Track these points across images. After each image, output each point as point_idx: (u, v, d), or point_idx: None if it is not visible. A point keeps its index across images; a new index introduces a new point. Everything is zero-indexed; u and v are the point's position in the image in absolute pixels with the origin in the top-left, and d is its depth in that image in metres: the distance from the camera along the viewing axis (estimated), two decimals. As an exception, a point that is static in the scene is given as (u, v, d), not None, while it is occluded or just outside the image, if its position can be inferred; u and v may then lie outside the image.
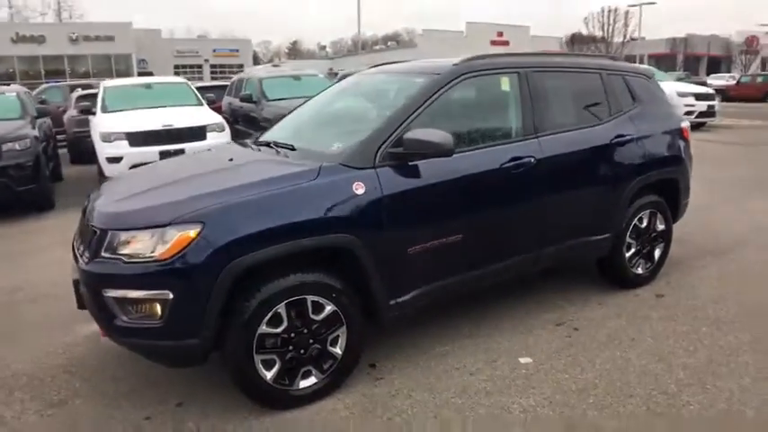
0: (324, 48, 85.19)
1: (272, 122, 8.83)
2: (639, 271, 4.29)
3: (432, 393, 2.95)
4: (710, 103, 15.06)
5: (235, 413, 2.80)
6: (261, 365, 2.71)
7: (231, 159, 3.34)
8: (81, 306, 2.97)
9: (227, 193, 2.68)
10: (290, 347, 2.76)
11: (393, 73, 3.91)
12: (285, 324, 2.72)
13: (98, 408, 2.91)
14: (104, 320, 2.68)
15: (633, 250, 4.20)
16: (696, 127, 14.55)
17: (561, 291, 4.21)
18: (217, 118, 8.56)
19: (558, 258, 3.86)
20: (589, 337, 3.53)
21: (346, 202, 2.80)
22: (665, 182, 4.27)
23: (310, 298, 2.75)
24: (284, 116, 4.25)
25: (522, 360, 3.27)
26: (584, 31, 46.30)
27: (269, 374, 2.74)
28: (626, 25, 45.45)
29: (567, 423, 2.70)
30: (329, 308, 2.80)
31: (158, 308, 2.54)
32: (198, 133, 8.06)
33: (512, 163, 3.35)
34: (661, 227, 4.34)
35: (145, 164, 4.69)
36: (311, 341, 2.81)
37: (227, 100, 12.50)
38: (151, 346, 2.67)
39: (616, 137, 3.92)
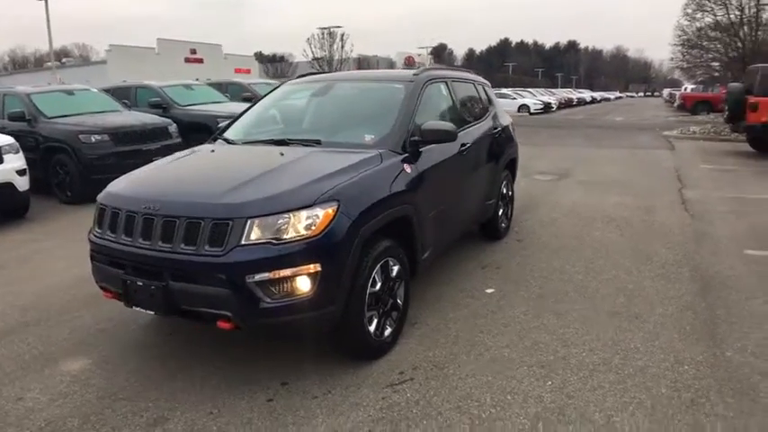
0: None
1: (65, 142, 8.11)
2: (504, 226, 5.92)
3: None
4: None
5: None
6: (367, 322, 3.25)
7: (282, 154, 3.62)
8: (132, 304, 3.09)
9: (335, 177, 3.13)
10: (381, 303, 3.37)
11: (363, 80, 4.69)
12: (379, 283, 3.31)
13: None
14: (246, 307, 2.81)
15: (501, 210, 5.79)
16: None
17: (470, 252, 5.52)
18: (8, 139, 7.36)
19: (480, 219, 5.19)
20: (508, 268, 4.98)
21: (403, 180, 3.54)
22: (513, 159, 6.00)
23: (390, 260, 3.40)
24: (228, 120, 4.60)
25: (488, 290, 4.47)
26: (308, 51, 52.31)
27: (371, 329, 3.30)
28: (342, 46, 52.37)
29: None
30: (396, 267, 3.48)
31: (307, 282, 2.86)
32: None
33: (463, 148, 4.50)
34: (510, 192, 6.07)
35: None
36: (389, 297, 3.45)
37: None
38: (296, 320, 2.91)
39: (492, 128, 5.43)
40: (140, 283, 3.00)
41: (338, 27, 52.30)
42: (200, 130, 9.89)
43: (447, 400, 2.97)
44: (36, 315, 4.20)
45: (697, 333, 3.70)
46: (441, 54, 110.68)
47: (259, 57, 63.67)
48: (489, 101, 5.74)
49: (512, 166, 6.06)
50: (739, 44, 24.75)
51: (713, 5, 25.70)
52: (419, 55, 76.56)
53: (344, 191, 3.06)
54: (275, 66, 55.38)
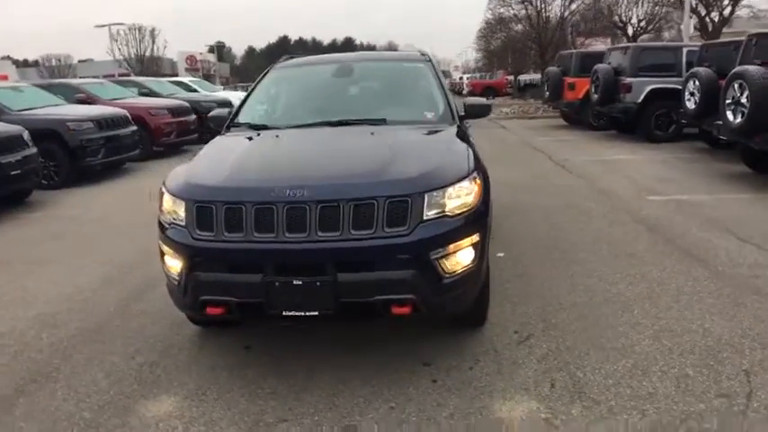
0: None
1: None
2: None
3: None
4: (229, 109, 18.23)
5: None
6: None
7: (373, 134, 3.42)
8: (281, 309, 2.70)
9: (455, 150, 3.15)
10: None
11: (381, 61, 4.58)
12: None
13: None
14: (431, 286, 2.69)
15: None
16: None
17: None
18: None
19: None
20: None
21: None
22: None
23: None
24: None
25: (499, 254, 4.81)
26: (116, 50, 46.42)
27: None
28: (153, 42, 47.61)
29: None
30: None
31: (471, 253, 2.83)
32: None
33: None
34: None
35: None
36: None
37: None
38: (466, 293, 2.89)
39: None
40: (298, 283, 2.63)
41: (120, 24, 47.20)
42: (47, 139, 8.46)
43: (579, 340, 3.24)
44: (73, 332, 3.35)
45: (675, 254, 4.56)
46: (221, 52, 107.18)
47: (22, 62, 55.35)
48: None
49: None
50: (534, 35, 29.11)
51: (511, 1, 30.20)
52: (200, 53, 73.17)
53: (477, 162, 3.09)
54: (51, 69, 47.97)
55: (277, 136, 3.56)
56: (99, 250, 5.47)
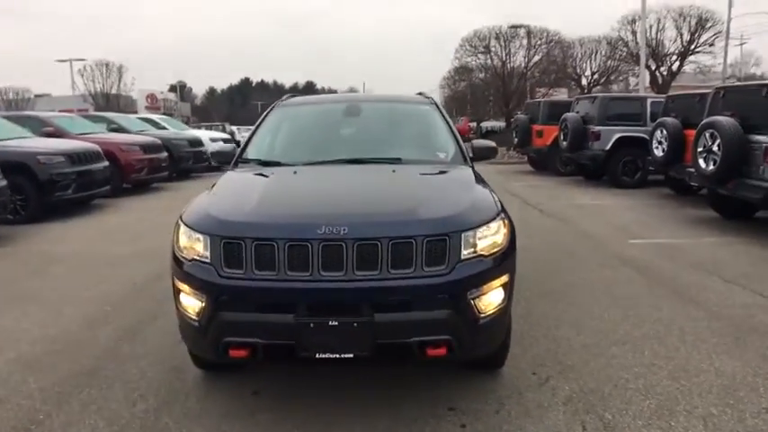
0: None
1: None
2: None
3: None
4: (233, 145, 18.03)
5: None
6: None
7: (394, 171, 3.40)
8: (314, 352, 2.56)
9: (477, 189, 3.15)
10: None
11: (388, 102, 4.57)
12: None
13: None
14: (468, 326, 2.64)
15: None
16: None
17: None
18: None
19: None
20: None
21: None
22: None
23: None
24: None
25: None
26: (81, 84, 45.62)
27: None
28: (120, 78, 47.21)
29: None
30: None
31: (501, 294, 2.79)
32: None
33: None
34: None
35: None
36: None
37: None
38: (496, 334, 2.87)
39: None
40: (334, 323, 2.52)
41: (81, 60, 46.34)
42: (15, 171, 8.14)
43: (599, 382, 3.22)
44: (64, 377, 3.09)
45: (669, 296, 4.67)
46: (182, 91, 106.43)
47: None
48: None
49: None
50: (499, 83, 30.25)
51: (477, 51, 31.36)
52: (161, 92, 72.53)
53: (500, 203, 3.11)
54: (8, 102, 46.28)
55: (295, 172, 3.48)
56: (80, 288, 5.19)
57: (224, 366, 3.38)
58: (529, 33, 31.11)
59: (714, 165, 7.21)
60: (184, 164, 14.02)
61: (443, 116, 4.29)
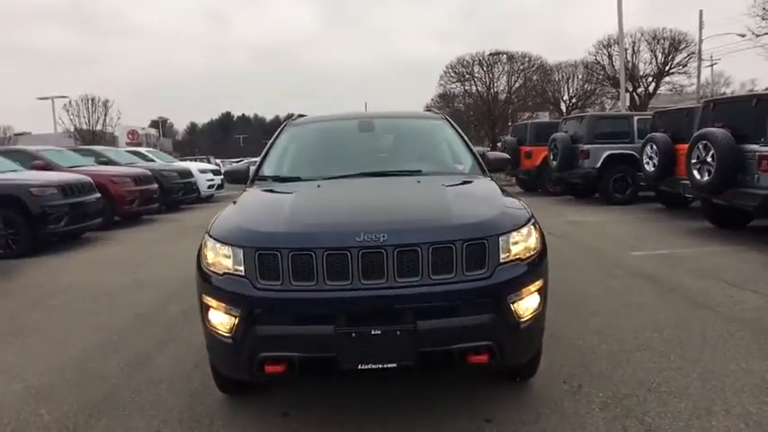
0: None
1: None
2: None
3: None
4: (221, 177, 17.90)
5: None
6: None
7: (419, 182, 3.39)
8: (357, 363, 2.49)
9: (502, 197, 3.14)
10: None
11: (400, 118, 4.58)
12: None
13: None
14: (510, 330, 2.60)
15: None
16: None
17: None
18: None
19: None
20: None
21: None
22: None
23: None
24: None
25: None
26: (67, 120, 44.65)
27: None
28: (106, 114, 46.30)
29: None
30: None
31: (537, 298, 2.75)
32: None
33: None
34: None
35: None
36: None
37: None
38: (534, 339, 2.87)
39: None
40: (377, 332, 2.45)
41: (63, 97, 46.12)
42: (6, 205, 8.02)
43: (631, 387, 3.18)
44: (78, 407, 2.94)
45: (681, 302, 4.67)
46: (163, 127, 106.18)
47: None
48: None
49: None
50: (485, 108, 30.78)
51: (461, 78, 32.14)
52: (143, 128, 72.42)
53: (530, 210, 3.09)
54: None
55: (319, 186, 3.42)
56: (83, 318, 5.03)
57: (249, 389, 3.27)
58: (510, 59, 31.78)
59: (709, 175, 7.33)
60: (175, 195, 13.90)
61: (456, 130, 4.31)
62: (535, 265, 2.76)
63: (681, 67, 32.52)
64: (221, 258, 2.68)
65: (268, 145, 4.24)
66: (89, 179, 9.57)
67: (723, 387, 3.17)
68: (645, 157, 9.98)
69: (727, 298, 4.88)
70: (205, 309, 2.75)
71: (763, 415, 2.84)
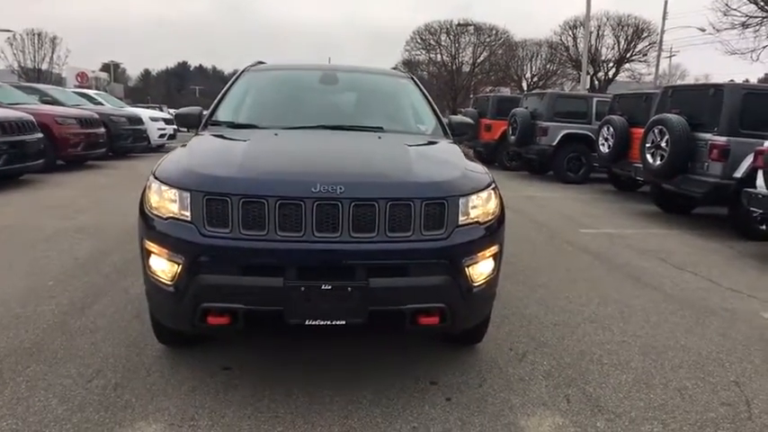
0: None
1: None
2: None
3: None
4: (174, 126, 17.23)
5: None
6: None
7: (380, 138, 3.26)
8: (305, 318, 2.40)
9: (464, 160, 3.06)
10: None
11: (364, 72, 4.38)
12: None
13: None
14: (463, 294, 2.56)
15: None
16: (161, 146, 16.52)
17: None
18: None
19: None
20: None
21: None
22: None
23: None
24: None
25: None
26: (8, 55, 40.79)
27: None
28: (53, 51, 43.00)
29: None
30: None
31: (491, 264, 2.72)
32: None
33: None
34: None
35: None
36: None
37: None
38: (485, 304, 2.86)
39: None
40: (327, 288, 2.37)
41: (8, 31, 42.95)
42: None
43: (575, 357, 3.25)
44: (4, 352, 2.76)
45: (627, 279, 4.80)
46: (115, 71, 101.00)
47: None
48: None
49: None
50: (448, 77, 30.57)
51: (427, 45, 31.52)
52: (93, 71, 68.81)
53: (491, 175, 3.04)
54: None
55: (276, 134, 3.27)
56: (18, 263, 4.74)
57: (190, 342, 3.15)
58: (478, 30, 31.63)
59: (661, 160, 7.52)
60: (123, 142, 13.24)
61: (422, 90, 4.20)
62: (492, 230, 2.72)
63: (641, 56, 33.29)
64: (166, 202, 2.52)
65: (224, 89, 4.02)
66: (31, 117, 8.98)
67: (662, 362, 3.27)
68: (601, 138, 10.15)
69: (670, 278, 5.04)
70: (146, 254, 2.59)
71: (697, 390, 2.95)
